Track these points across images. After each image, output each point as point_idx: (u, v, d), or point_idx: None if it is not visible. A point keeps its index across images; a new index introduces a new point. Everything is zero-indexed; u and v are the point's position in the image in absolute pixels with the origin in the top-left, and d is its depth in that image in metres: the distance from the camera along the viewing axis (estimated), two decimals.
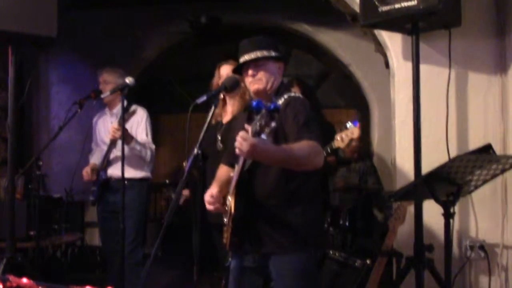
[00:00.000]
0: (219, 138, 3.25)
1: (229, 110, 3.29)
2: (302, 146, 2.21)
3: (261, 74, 2.41)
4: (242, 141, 1.99)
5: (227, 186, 2.49)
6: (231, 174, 2.44)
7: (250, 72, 2.42)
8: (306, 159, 2.21)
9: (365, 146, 6.07)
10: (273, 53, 2.42)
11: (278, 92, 2.43)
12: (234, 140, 2.56)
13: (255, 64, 2.42)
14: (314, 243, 2.41)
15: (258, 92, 2.44)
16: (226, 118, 3.29)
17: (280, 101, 2.32)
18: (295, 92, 2.49)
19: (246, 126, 2.04)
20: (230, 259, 2.50)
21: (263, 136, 1.90)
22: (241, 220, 2.32)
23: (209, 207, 2.41)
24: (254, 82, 2.42)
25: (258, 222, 2.35)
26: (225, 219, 2.45)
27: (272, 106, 1.82)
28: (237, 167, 2.28)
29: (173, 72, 7.89)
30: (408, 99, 3.09)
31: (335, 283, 3.63)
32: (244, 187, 2.31)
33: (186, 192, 3.58)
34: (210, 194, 2.42)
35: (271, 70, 2.43)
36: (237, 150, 2.05)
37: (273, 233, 2.34)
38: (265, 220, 2.35)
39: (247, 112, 2.53)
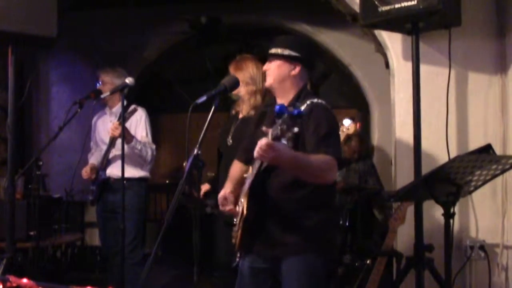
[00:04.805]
0: (232, 132, 3.23)
1: (245, 105, 3.23)
2: (319, 159, 2.19)
3: (270, 71, 2.44)
4: (265, 148, 1.97)
5: (240, 185, 2.49)
6: (245, 175, 2.44)
7: (264, 67, 2.50)
8: (320, 172, 2.21)
9: (365, 146, 6.07)
10: (286, 52, 2.41)
11: (300, 96, 2.40)
12: (250, 136, 2.57)
13: (269, 60, 2.45)
14: (325, 246, 2.39)
15: (268, 87, 2.49)
16: (242, 114, 3.27)
17: (303, 107, 2.28)
18: (317, 97, 2.45)
19: (265, 129, 2.01)
20: (237, 259, 2.50)
21: (283, 141, 1.89)
22: (253, 221, 2.32)
23: (221, 207, 2.42)
24: (266, 76, 2.48)
25: (271, 224, 2.35)
26: (235, 220, 2.46)
27: (295, 112, 1.80)
28: (253, 169, 2.27)
29: (173, 72, 7.89)
30: (408, 99, 3.08)
31: (335, 283, 3.64)
32: (258, 189, 2.31)
33: (206, 187, 3.54)
34: (224, 195, 2.42)
35: (281, 69, 2.42)
36: (255, 154, 2.03)
37: (285, 236, 2.33)
38: (278, 222, 2.34)
39: (264, 112, 2.54)
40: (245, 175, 2.44)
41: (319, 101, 2.37)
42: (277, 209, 2.33)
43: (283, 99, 2.43)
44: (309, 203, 2.33)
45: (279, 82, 2.43)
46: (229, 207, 2.41)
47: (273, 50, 2.44)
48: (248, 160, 2.52)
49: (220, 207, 2.43)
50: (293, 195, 2.32)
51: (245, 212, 2.29)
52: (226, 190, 2.45)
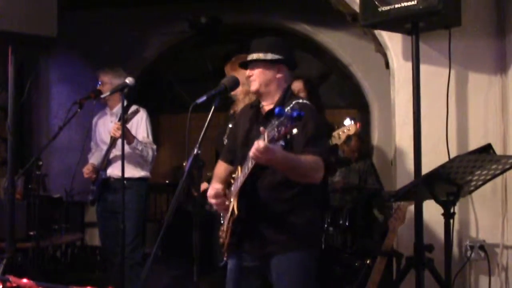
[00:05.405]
0: (227, 132, 3.23)
1: (240, 104, 3.22)
2: (309, 160, 2.23)
3: (255, 76, 2.44)
4: (262, 150, 1.97)
5: (225, 185, 2.48)
6: (233, 175, 2.44)
7: (247, 72, 2.47)
8: (309, 172, 2.26)
9: (365, 146, 6.07)
10: (269, 56, 2.41)
11: (285, 98, 2.41)
12: (235, 137, 2.57)
13: (252, 65, 2.45)
14: (314, 242, 2.45)
15: (254, 93, 2.49)
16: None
17: (288, 108, 2.27)
18: (302, 97, 2.48)
19: (262, 129, 2.00)
20: (224, 258, 2.50)
21: (281, 143, 1.89)
22: (243, 221, 2.33)
23: (213, 201, 2.40)
24: (250, 82, 2.47)
25: (261, 223, 2.36)
26: (222, 219, 2.46)
27: (294, 114, 1.80)
28: (244, 169, 2.27)
29: (173, 72, 7.90)
30: (408, 99, 3.08)
31: (335, 283, 3.63)
32: (248, 188, 2.31)
33: (205, 185, 3.54)
34: (215, 189, 2.40)
35: (265, 73, 2.42)
36: (251, 155, 2.05)
37: (276, 234, 2.35)
38: (268, 221, 2.36)
39: (253, 110, 2.53)
40: (233, 175, 2.44)
41: (305, 101, 2.40)
42: (267, 208, 2.36)
43: (268, 101, 2.46)
44: (298, 202, 2.37)
45: (265, 87, 2.43)
46: (222, 201, 2.38)
47: (254, 56, 2.43)
48: (232, 161, 2.54)
49: (214, 202, 2.40)
50: (283, 195, 2.36)
51: (236, 212, 2.30)
52: (216, 186, 2.42)
